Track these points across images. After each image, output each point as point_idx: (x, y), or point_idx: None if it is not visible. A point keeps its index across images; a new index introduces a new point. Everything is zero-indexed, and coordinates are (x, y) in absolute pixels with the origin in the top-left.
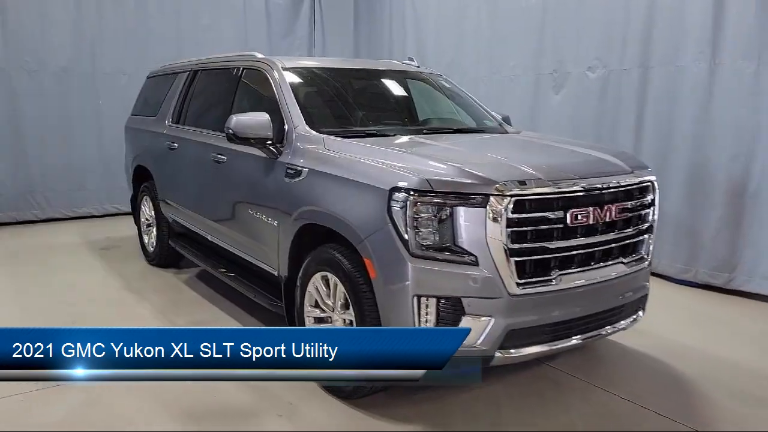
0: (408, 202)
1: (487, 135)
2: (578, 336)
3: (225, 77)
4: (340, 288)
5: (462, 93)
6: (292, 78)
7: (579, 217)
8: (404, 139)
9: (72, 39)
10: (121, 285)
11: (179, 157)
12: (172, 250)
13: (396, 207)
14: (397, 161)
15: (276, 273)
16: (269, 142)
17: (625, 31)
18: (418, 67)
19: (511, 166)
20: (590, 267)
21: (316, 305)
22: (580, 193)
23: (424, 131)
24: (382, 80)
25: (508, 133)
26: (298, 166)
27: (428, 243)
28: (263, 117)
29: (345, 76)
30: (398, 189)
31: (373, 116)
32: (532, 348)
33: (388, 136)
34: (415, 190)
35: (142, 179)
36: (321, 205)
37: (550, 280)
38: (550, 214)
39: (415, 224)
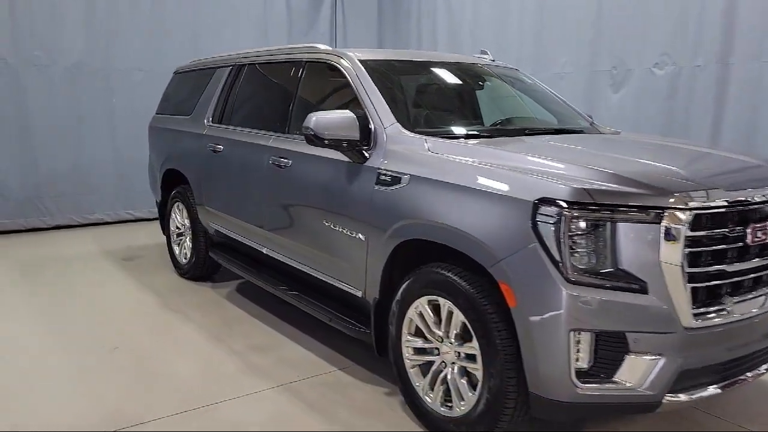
0: (562, 217)
1: (597, 136)
2: (749, 373)
3: (282, 72)
4: (458, 316)
5: (545, 89)
6: (371, 72)
7: (759, 234)
8: (517, 140)
9: (84, 32)
10: (158, 302)
11: (225, 160)
12: (209, 262)
13: (545, 222)
14: (535, 166)
15: (360, 294)
16: (356, 143)
17: (699, 23)
18: (493, 60)
19: (674, 172)
20: (761, 292)
21: (419, 333)
22: (760, 206)
23: (527, 131)
24: (464, 75)
25: (610, 133)
26: (395, 171)
27: (586, 266)
28: (348, 115)
29: (424, 69)
30: (548, 201)
31: (462, 114)
32: (705, 391)
33: (493, 136)
34: (570, 202)
35: (172, 184)
36: (432, 217)
37: (725, 309)
38: (729, 231)
39: (570, 244)
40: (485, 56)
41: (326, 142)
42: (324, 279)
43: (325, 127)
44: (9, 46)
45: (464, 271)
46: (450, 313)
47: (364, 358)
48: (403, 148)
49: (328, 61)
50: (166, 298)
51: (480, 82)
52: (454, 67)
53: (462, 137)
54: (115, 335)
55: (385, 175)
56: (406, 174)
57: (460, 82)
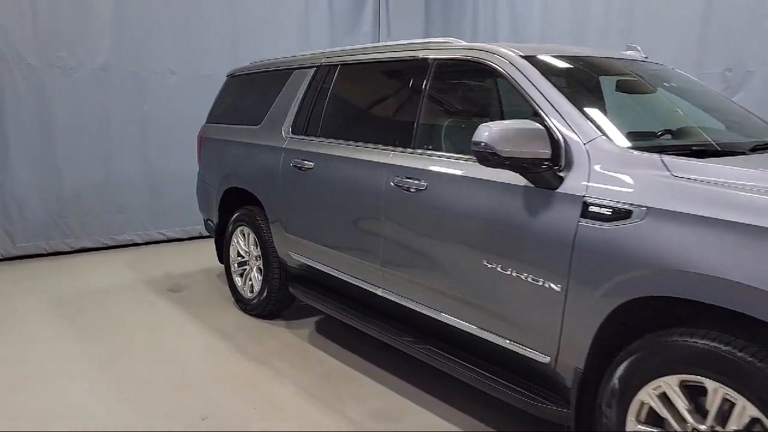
0: None
1: None
2: None
3: (398, 74)
4: (745, 408)
5: (714, 92)
6: (544, 72)
7: None
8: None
9: (113, 31)
10: (232, 349)
11: (317, 179)
12: (284, 297)
13: None
14: None
15: (547, 361)
16: (544, 163)
17: None
18: (646, 58)
19: None
20: None
21: (656, 422)
22: None
23: (760, 146)
24: (641, 75)
25: None
26: (621, 202)
27: None
28: (534, 127)
29: (599, 68)
30: None
31: (662, 124)
32: None
33: (728, 153)
34: None
35: (233, 205)
36: (698, 267)
37: None
38: None
39: None
40: (636, 53)
41: (506, 161)
42: (478, 334)
43: (504, 142)
44: (31, 47)
45: (753, 345)
46: (727, 403)
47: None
48: (621, 169)
49: (476, 60)
50: (239, 342)
51: (656, 84)
52: (628, 66)
53: (693, 155)
54: (196, 398)
55: (599, 206)
56: (641, 206)
57: (644, 85)
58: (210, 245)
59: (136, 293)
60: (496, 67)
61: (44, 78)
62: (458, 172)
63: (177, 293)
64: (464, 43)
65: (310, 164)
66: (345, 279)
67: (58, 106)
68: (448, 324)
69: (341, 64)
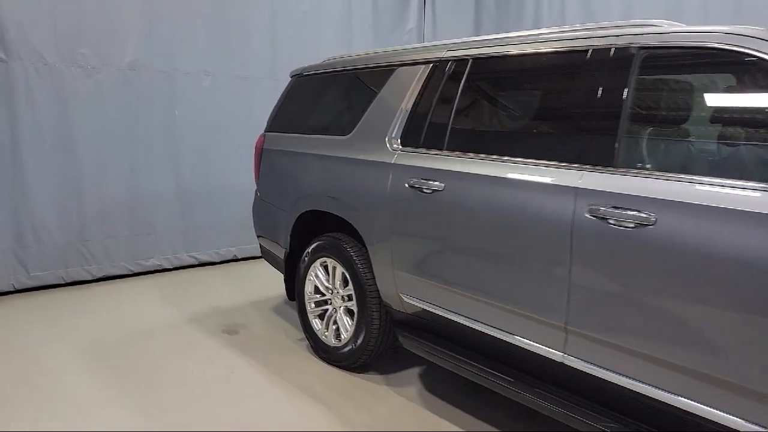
0: None
1: None
2: None
3: (577, 69)
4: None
5: None
6: None
7: None
8: None
9: (142, 26)
10: (333, 420)
11: (454, 204)
12: (384, 347)
13: None
14: None
15: None
16: None
17: None
18: None
19: None
20: None
21: None
22: None
23: None
24: None
25: None
26: None
27: None
28: None
29: None
30: None
31: None
32: None
33: None
34: None
35: (311, 231)
36: None
37: None
38: None
39: None
40: None
41: None
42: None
43: None
44: (49, 42)
45: None
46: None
47: None
48: None
49: (723, 47)
50: (338, 408)
51: None
52: None
53: None
54: None
55: None
56: None
57: None
58: (251, 269)
59: (185, 335)
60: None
61: (63, 78)
62: (731, 205)
63: (234, 335)
64: (686, 27)
65: (439, 185)
66: (494, 335)
67: (79, 111)
68: (688, 412)
69: (476, 59)
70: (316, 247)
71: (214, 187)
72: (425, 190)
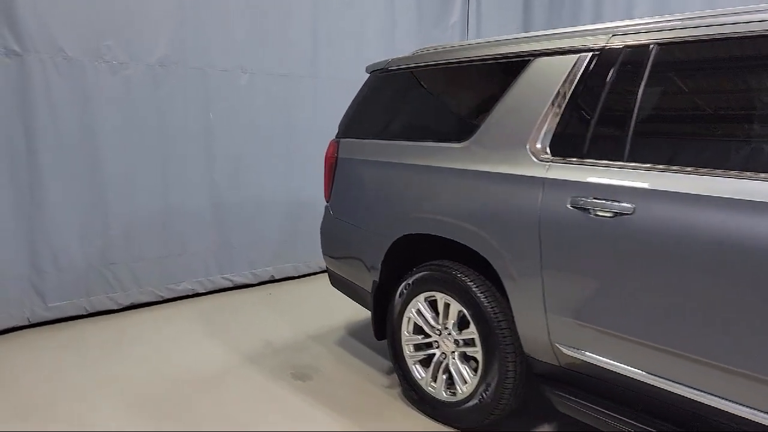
0: None
1: None
2: None
3: None
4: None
5: None
6: None
7: None
8: None
9: (175, 16)
10: None
11: (652, 235)
12: (515, 404)
13: None
14: None
15: None
16: None
17: None
18: None
19: None
20: None
21: None
22: None
23: None
24: None
25: None
26: None
27: None
28: None
29: None
30: None
31: None
32: None
33: None
34: None
35: (411, 258)
36: None
37: None
38: None
39: None
40: None
41: None
42: None
43: None
44: (69, 33)
45: None
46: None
47: None
48: None
49: None
50: None
51: None
52: None
53: None
54: None
55: None
56: None
57: None
58: (292, 292)
59: (249, 383)
60: None
61: (86, 75)
62: None
63: (308, 381)
64: None
65: (625, 207)
66: (703, 401)
67: (104, 113)
68: None
69: (665, 45)
70: (420, 278)
71: (249, 199)
72: (601, 214)
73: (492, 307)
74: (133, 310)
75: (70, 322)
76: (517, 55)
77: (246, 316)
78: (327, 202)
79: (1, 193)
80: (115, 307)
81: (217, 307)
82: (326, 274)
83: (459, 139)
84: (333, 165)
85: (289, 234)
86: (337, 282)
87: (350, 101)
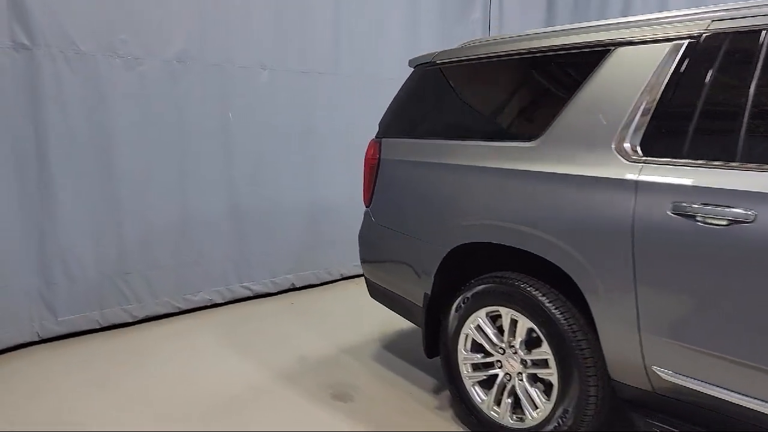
0: None
1: None
2: None
3: None
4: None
5: None
6: None
7: None
8: None
9: (193, 9)
10: None
11: None
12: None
13: None
14: None
15: None
16: None
17: None
18: None
19: None
20: None
21: None
22: None
23: None
24: None
25: None
26: None
27: None
28: None
29: None
30: None
31: None
32: None
33: None
34: None
35: (467, 269)
36: None
37: None
38: None
39: None
40: None
41: None
42: None
43: None
44: (82, 26)
45: None
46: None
47: None
48: None
49: None
50: None
51: None
52: None
53: None
54: None
55: None
56: None
57: None
58: (316, 301)
59: (286, 403)
60: None
61: (100, 71)
62: None
63: (350, 402)
64: None
65: (743, 213)
66: None
67: (118, 111)
68: None
69: None
70: (481, 292)
71: (268, 203)
72: (712, 221)
73: (570, 325)
74: (148, 323)
75: (83, 336)
76: (596, 44)
77: (271, 328)
78: (367, 207)
79: (8, 199)
80: (130, 320)
81: (238, 318)
82: (348, 281)
83: (526, 138)
84: (375, 167)
85: (310, 240)
86: (379, 294)
87: (372, 99)
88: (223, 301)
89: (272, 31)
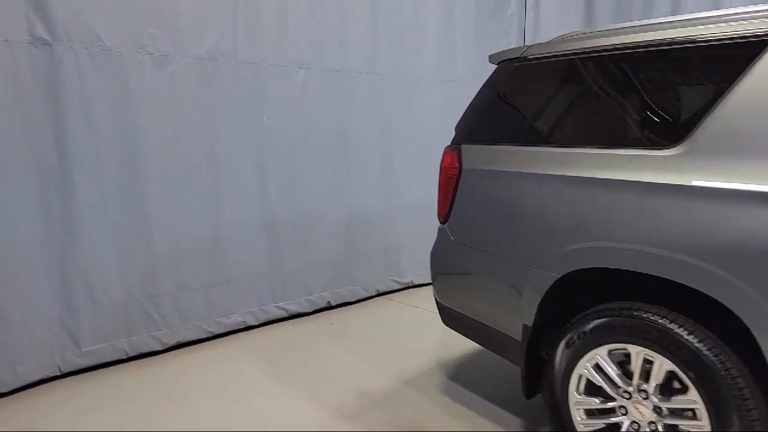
0: None
1: None
2: None
3: None
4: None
5: None
6: None
7: None
8: None
9: (224, 5)
10: None
11: None
12: None
13: None
14: None
15: None
16: None
17: None
18: None
19: None
20: None
21: None
22: None
23: None
24: None
25: None
26: None
27: None
28: None
29: None
30: None
31: None
32: None
33: None
34: None
35: (578, 299)
36: None
37: None
38: None
39: None
40: None
41: None
42: None
43: None
44: (107, 20)
45: None
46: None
47: None
48: None
49: None
50: None
51: None
52: None
53: None
54: None
55: None
56: None
57: None
58: (356, 322)
59: None
60: None
61: (126, 68)
62: None
63: None
64: None
65: None
66: None
67: (146, 115)
68: None
69: None
70: (602, 325)
71: (303, 214)
72: None
73: (728, 370)
74: (178, 350)
75: (108, 368)
76: (751, 36)
77: (315, 355)
78: (442, 223)
79: (27, 213)
80: (159, 348)
81: (276, 342)
82: (384, 298)
83: (661, 145)
84: (454, 178)
85: (345, 253)
86: (456, 322)
87: (407, 100)
88: (256, 323)
89: (306, 22)
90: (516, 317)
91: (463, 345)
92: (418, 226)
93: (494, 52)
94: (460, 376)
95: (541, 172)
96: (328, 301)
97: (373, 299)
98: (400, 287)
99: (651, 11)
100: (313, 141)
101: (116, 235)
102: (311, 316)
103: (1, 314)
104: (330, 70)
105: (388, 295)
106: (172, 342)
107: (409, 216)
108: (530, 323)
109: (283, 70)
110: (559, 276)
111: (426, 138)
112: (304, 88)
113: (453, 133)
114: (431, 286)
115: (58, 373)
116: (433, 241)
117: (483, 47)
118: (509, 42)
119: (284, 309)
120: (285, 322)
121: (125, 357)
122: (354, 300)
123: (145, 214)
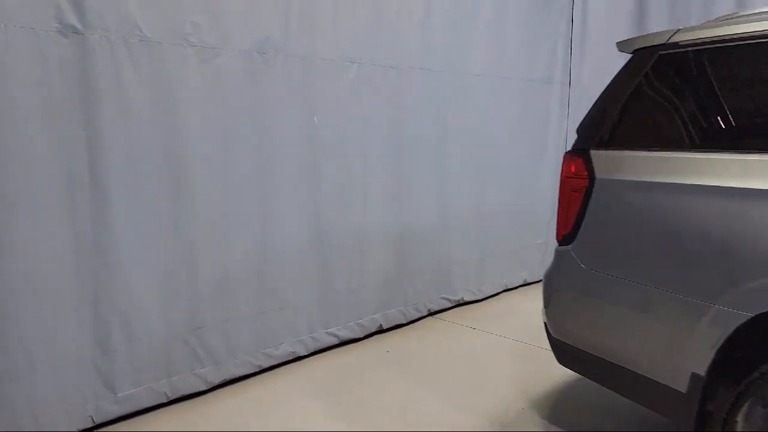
0: None
1: None
2: None
3: None
4: None
5: None
6: None
7: None
8: None
9: None
10: None
11: None
12: None
13: None
14: None
15: None
16: None
17: None
18: None
19: None
20: None
21: None
22: None
23: None
24: None
25: None
26: None
27: None
28: None
29: None
30: None
31: None
32: None
33: None
34: None
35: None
36: None
37: None
38: None
39: None
40: None
41: None
42: None
43: None
44: (147, 5)
45: None
46: None
47: None
48: None
49: None
50: None
51: None
52: None
53: None
54: None
55: None
56: None
57: None
58: (417, 348)
59: None
60: None
61: (167, 62)
62: None
63: None
64: None
65: None
66: None
67: (190, 118)
68: None
69: None
70: None
71: (353, 230)
72: None
73: None
74: (224, 389)
75: (146, 414)
76: None
77: (380, 390)
78: (563, 244)
79: (55, 238)
80: (203, 387)
81: (333, 374)
82: (435, 318)
83: None
84: (582, 190)
85: (397, 270)
86: (584, 364)
87: (460, 98)
88: (306, 353)
89: (361, 17)
90: (681, 364)
91: (544, 375)
92: (469, 237)
93: (623, 40)
94: (560, 418)
95: (725, 185)
96: (380, 324)
97: (423, 319)
98: (450, 305)
99: (711, 7)
100: (365, 144)
101: (156, 260)
102: (362, 341)
103: (26, 356)
104: (382, 65)
105: (438, 315)
106: (217, 380)
107: (463, 227)
108: (703, 372)
109: (334, 65)
110: (753, 315)
111: (482, 139)
112: (355, 85)
113: (505, 134)
114: (481, 303)
115: (91, 425)
116: (482, 252)
117: (533, 41)
118: (557, 37)
119: (335, 335)
120: (336, 349)
121: (166, 401)
122: (405, 321)
123: (189, 233)
